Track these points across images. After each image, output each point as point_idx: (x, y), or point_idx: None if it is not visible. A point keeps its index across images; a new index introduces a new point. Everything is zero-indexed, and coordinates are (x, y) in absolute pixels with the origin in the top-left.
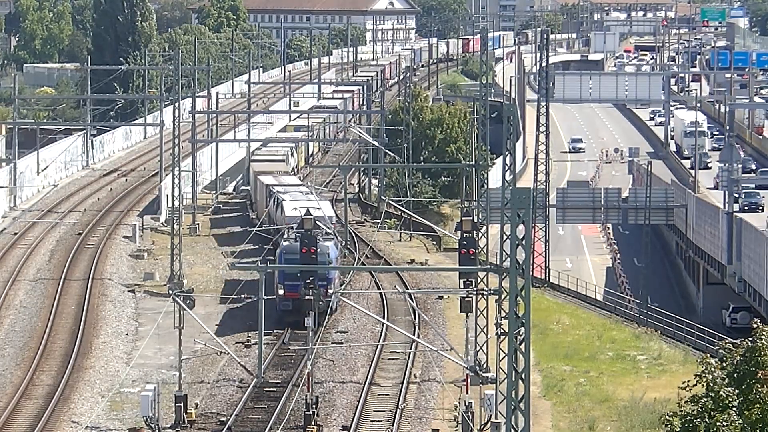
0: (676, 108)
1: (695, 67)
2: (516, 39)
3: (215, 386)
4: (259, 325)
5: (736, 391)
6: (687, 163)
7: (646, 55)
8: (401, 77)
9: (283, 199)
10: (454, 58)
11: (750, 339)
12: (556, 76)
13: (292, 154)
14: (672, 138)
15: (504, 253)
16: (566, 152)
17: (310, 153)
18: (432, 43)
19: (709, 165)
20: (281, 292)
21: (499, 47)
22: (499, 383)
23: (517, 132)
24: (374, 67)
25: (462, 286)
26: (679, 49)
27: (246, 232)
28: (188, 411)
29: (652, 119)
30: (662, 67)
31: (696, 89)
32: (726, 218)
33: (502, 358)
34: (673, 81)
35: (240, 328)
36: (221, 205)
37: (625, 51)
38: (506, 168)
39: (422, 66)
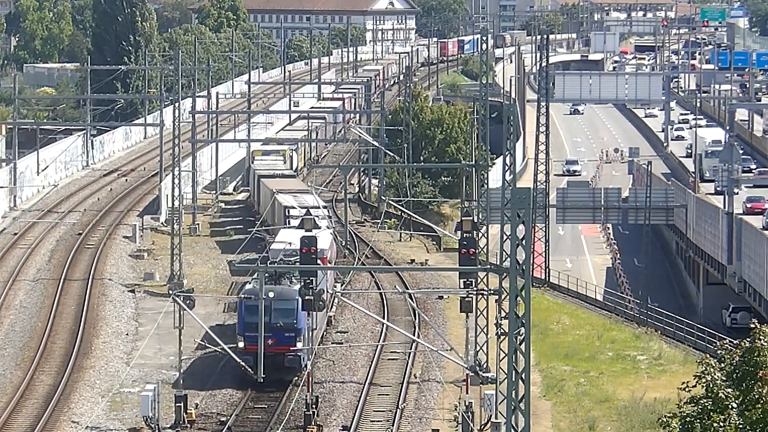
0: (692, 118)
1: (695, 59)
2: (493, 42)
3: (215, 386)
4: (260, 323)
5: (736, 392)
6: (710, 187)
7: (644, 59)
8: (393, 83)
9: (286, 225)
10: (433, 62)
11: (749, 339)
12: (556, 76)
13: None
14: (689, 156)
15: (504, 253)
16: (560, 175)
17: (294, 168)
18: (416, 48)
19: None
20: (241, 344)
21: (474, 51)
22: (499, 383)
23: (517, 132)
24: (369, 71)
25: (462, 286)
26: (680, 48)
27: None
28: (188, 411)
29: (663, 131)
30: (662, 66)
31: (693, 86)
32: (726, 218)
33: (502, 358)
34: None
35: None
36: (223, 204)
37: (621, 52)
38: (506, 168)
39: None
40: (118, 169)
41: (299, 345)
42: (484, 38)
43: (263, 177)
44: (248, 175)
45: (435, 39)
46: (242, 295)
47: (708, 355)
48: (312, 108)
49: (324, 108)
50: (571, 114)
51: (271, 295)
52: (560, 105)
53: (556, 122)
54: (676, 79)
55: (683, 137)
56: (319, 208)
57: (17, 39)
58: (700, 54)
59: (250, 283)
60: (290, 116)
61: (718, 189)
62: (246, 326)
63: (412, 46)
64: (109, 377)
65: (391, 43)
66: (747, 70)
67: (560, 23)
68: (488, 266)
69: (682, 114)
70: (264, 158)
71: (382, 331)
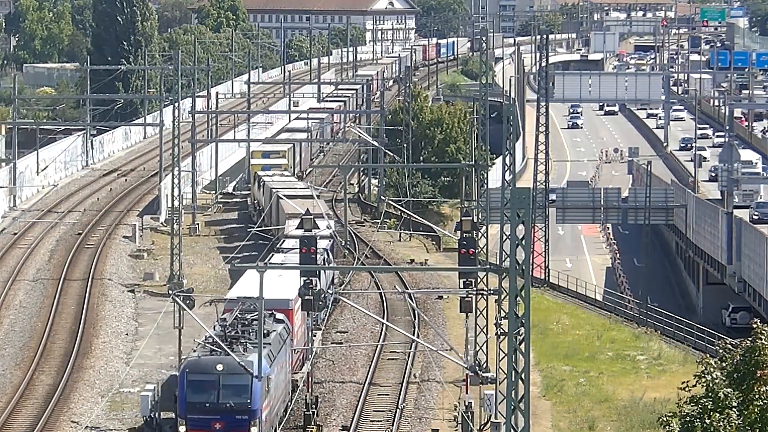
0: (690, 117)
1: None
2: (471, 45)
3: None
4: (259, 320)
5: (736, 391)
6: (744, 213)
7: (643, 62)
8: (385, 89)
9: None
10: (417, 66)
11: (749, 339)
12: (556, 76)
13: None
14: (712, 180)
15: (504, 253)
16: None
17: None
18: (407, 51)
19: None
20: (183, 429)
21: (454, 55)
22: (499, 383)
23: (517, 132)
24: (363, 76)
25: (462, 286)
26: (678, 46)
27: None
28: None
29: (684, 147)
30: (662, 67)
31: (695, 86)
32: (726, 218)
33: (502, 358)
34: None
35: None
36: (222, 204)
37: (619, 53)
38: (506, 168)
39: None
40: (117, 169)
41: (254, 431)
42: (460, 42)
43: (283, 198)
44: (255, 186)
45: (422, 41)
46: (184, 369)
47: (708, 355)
48: (310, 108)
49: (319, 110)
50: (569, 128)
51: (219, 368)
52: (559, 117)
53: (555, 123)
54: (673, 77)
55: (705, 158)
56: (324, 239)
57: (17, 39)
58: (699, 53)
59: (195, 351)
60: (290, 116)
61: (756, 217)
62: (188, 407)
63: (412, 46)
64: (108, 377)
65: (391, 43)
66: (747, 70)
67: (560, 23)
68: (488, 266)
69: (701, 128)
70: (271, 174)
71: (381, 331)
